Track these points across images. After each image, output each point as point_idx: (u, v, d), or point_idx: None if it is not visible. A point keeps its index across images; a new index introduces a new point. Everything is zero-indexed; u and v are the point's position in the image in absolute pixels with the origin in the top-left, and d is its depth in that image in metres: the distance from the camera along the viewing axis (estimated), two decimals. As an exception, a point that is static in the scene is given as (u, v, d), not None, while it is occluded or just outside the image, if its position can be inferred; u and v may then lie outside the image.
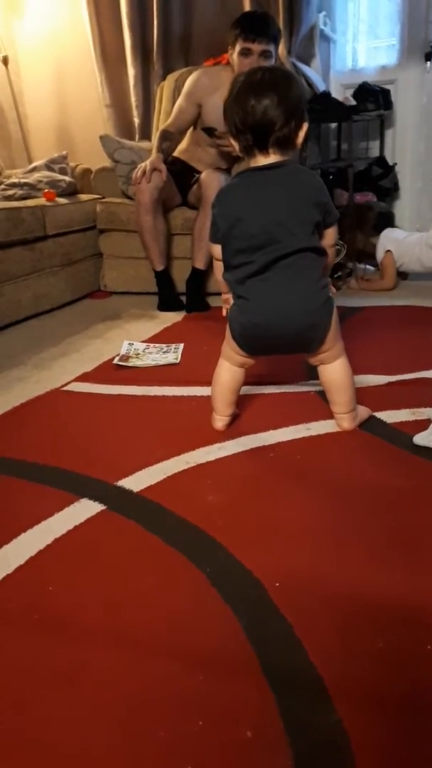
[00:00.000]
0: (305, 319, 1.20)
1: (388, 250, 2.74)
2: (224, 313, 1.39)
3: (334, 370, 1.29)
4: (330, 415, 1.37)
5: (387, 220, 2.90)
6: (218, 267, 1.32)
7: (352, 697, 0.69)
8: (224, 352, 1.32)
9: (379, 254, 2.78)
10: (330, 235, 1.26)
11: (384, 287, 2.76)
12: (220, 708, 0.68)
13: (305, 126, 1.18)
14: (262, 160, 1.18)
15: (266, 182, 1.17)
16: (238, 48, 2.32)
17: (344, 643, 0.76)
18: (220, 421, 1.37)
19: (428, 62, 3.18)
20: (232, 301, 1.29)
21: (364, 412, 1.37)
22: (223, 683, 0.72)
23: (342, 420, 1.34)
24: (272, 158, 1.18)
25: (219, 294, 2.46)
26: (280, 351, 1.32)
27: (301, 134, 1.18)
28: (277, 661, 0.74)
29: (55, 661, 0.77)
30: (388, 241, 2.76)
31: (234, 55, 2.35)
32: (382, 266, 2.78)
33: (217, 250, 1.28)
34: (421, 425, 1.32)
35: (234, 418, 1.40)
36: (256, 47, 2.28)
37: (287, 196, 1.16)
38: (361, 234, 2.89)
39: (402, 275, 2.84)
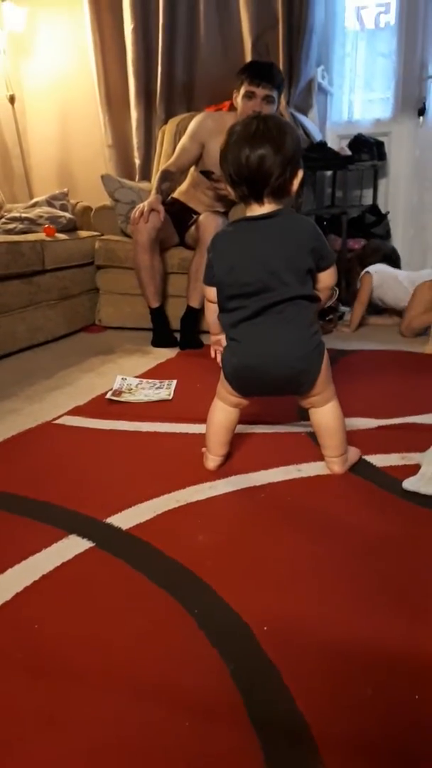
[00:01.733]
0: (295, 364, 1.22)
1: (368, 272, 2.89)
2: (212, 354, 1.41)
3: (325, 414, 1.30)
4: (320, 457, 1.38)
5: (390, 262, 3.04)
6: (210, 309, 1.34)
7: (340, 747, 0.68)
8: (219, 393, 1.34)
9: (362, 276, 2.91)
10: (325, 278, 1.26)
11: (357, 308, 2.88)
12: (205, 755, 0.67)
13: (300, 173, 1.20)
14: (257, 209, 1.21)
15: (260, 233, 1.19)
16: (242, 91, 2.41)
17: (332, 690, 0.76)
18: (212, 462, 1.37)
19: (421, 117, 3.31)
20: (222, 343, 1.31)
21: (354, 454, 1.38)
22: (210, 729, 0.70)
23: (333, 464, 1.35)
24: (267, 207, 1.20)
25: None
26: (272, 393, 1.33)
27: (296, 182, 1.20)
28: (265, 708, 0.73)
29: (37, 702, 0.75)
30: (372, 267, 2.92)
31: (238, 98, 2.45)
32: (360, 285, 2.91)
33: (210, 292, 1.30)
34: (411, 470, 1.33)
35: (226, 457, 1.40)
36: (260, 91, 2.37)
37: (280, 246, 1.18)
38: (360, 268, 2.99)
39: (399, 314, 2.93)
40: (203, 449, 1.41)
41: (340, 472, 1.34)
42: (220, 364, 1.31)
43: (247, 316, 1.20)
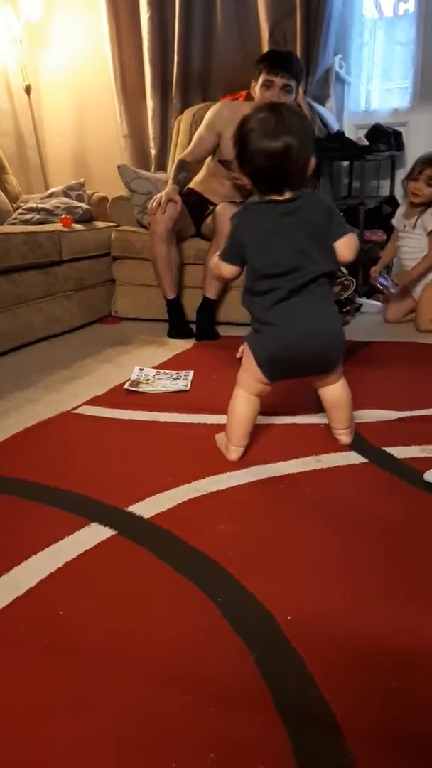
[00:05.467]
0: (331, 340, 1.29)
1: None
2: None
3: (337, 390, 1.37)
4: (340, 448, 1.39)
5: None
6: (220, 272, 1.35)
7: (366, 737, 0.68)
8: (242, 383, 1.34)
9: (429, 225, 2.65)
10: (342, 249, 1.26)
11: (427, 264, 2.65)
12: (232, 741, 0.68)
13: (313, 161, 1.24)
14: (276, 197, 1.23)
15: (287, 215, 1.22)
16: (261, 80, 2.39)
17: (357, 680, 0.76)
18: (235, 453, 1.37)
19: (440, 106, 3.27)
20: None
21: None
22: (236, 716, 0.71)
23: (342, 435, 1.42)
24: (286, 195, 1.22)
25: (228, 324, 2.52)
26: (303, 374, 1.36)
27: (309, 169, 1.24)
28: (290, 695, 0.74)
29: (64, 688, 0.76)
30: None
31: (257, 87, 2.43)
32: (430, 243, 2.67)
33: (227, 271, 1.31)
34: (431, 462, 1.32)
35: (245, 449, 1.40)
36: (279, 81, 2.35)
37: (306, 225, 1.21)
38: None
39: None
40: (216, 436, 1.42)
41: (348, 442, 1.42)
42: (250, 353, 1.30)
43: (282, 297, 1.23)
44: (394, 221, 2.88)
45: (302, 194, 1.23)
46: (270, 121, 1.17)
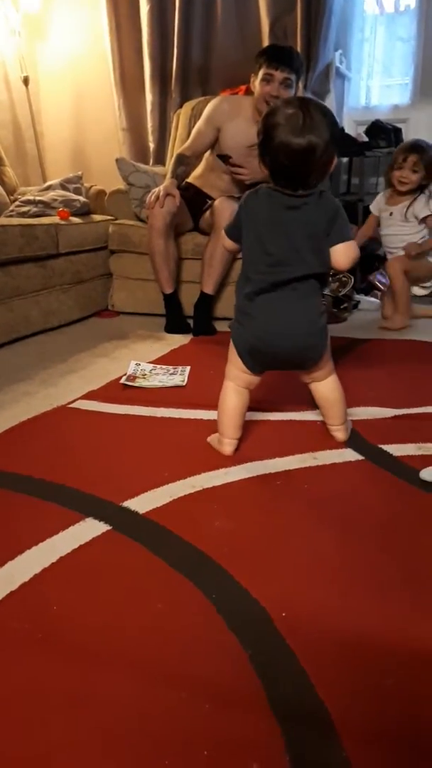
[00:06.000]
0: (306, 339, 1.28)
1: None
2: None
3: (327, 387, 1.38)
4: (337, 445, 1.39)
5: None
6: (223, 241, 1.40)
7: (361, 736, 0.68)
8: (229, 374, 1.35)
9: (420, 213, 2.65)
10: (338, 255, 1.23)
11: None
12: (226, 739, 0.67)
13: (335, 160, 1.21)
14: (288, 190, 1.20)
15: (293, 210, 1.20)
16: (260, 74, 2.38)
17: (352, 678, 0.75)
18: (229, 446, 1.37)
19: (440, 103, 3.26)
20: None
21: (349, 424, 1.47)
22: (230, 714, 0.71)
23: (337, 431, 1.43)
24: (299, 192, 1.20)
25: (226, 319, 2.51)
26: (282, 367, 1.38)
27: (331, 169, 1.21)
28: (284, 693, 0.73)
29: (59, 684, 0.75)
30: None
31: (256, 82, 2.42)
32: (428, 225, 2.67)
33: (227, 242, 1.37)
34: (427, 460, 1.32)
35: (239, 441, 1.40)
36: (279, 75, 2.34)
37: (308, 224, 1.20)
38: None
39: None
40: (208, 439, 1.42)
41: (344, 438, 1.43)
42: (231, 343, 1.32)
43: (265, 288, 1.23)
44: (373, 208, 2.81)
45: (313, 192, 1.20)
46: (298, 117, 1.13)
